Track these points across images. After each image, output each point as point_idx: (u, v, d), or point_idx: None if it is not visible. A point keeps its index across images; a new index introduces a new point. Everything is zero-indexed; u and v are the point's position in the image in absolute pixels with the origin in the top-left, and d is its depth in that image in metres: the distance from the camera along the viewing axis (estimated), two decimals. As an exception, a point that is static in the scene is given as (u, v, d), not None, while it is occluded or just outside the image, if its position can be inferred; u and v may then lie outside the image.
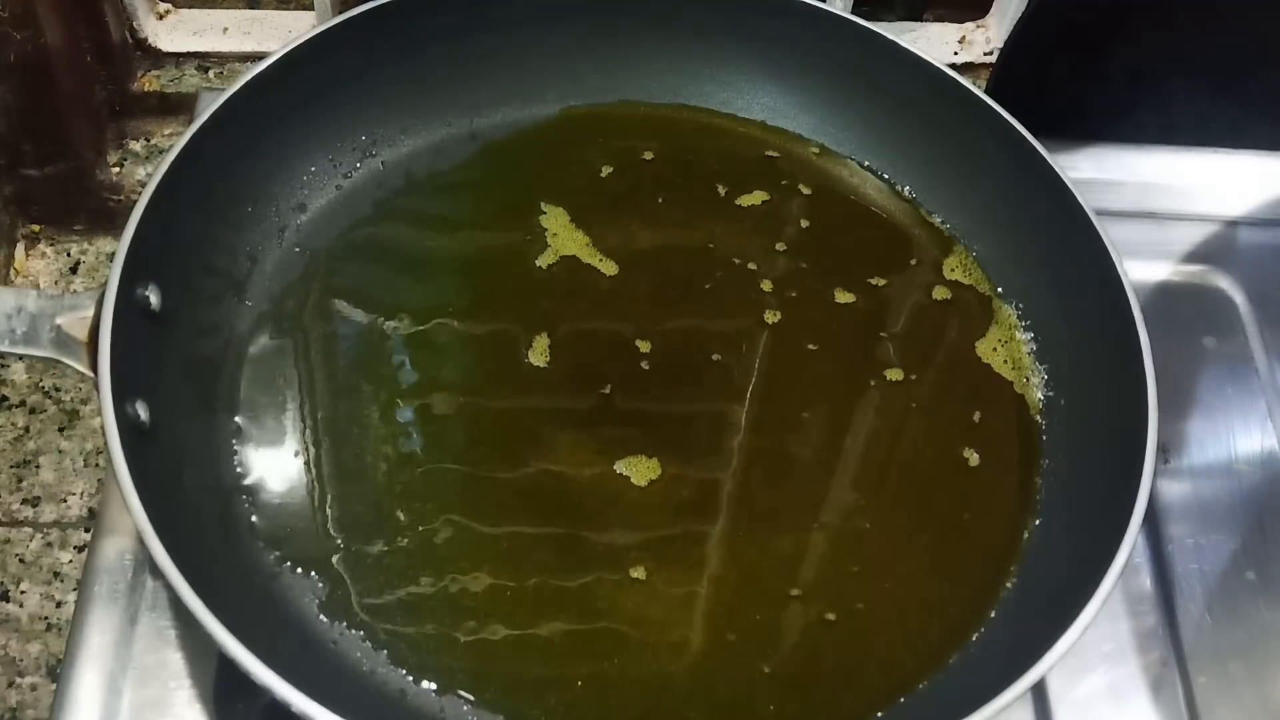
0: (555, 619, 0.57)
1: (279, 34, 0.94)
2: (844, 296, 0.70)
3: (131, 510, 0.49)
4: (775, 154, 0.75)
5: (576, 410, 0.63)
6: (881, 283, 0.71)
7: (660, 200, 0.72)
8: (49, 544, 0.90)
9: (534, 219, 0.70)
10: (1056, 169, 0.67)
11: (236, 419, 0.61)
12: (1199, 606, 0.64)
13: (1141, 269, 0.74)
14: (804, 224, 0.73)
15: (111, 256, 0.56)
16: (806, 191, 0.74)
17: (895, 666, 0.58)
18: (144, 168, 0.98)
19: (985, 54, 0.95)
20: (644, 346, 0.66)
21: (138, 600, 0.59)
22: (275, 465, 0.60)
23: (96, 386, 0.52)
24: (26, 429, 0.93)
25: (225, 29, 0.95)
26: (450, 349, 0.65)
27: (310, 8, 0.86)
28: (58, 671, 0.62)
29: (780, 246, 0.71)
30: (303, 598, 0.56)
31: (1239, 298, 0.77)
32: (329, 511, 0.59)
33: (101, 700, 0.56)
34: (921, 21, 0.97)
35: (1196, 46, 0.77)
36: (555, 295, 0.68)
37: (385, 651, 0.55)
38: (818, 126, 0.76)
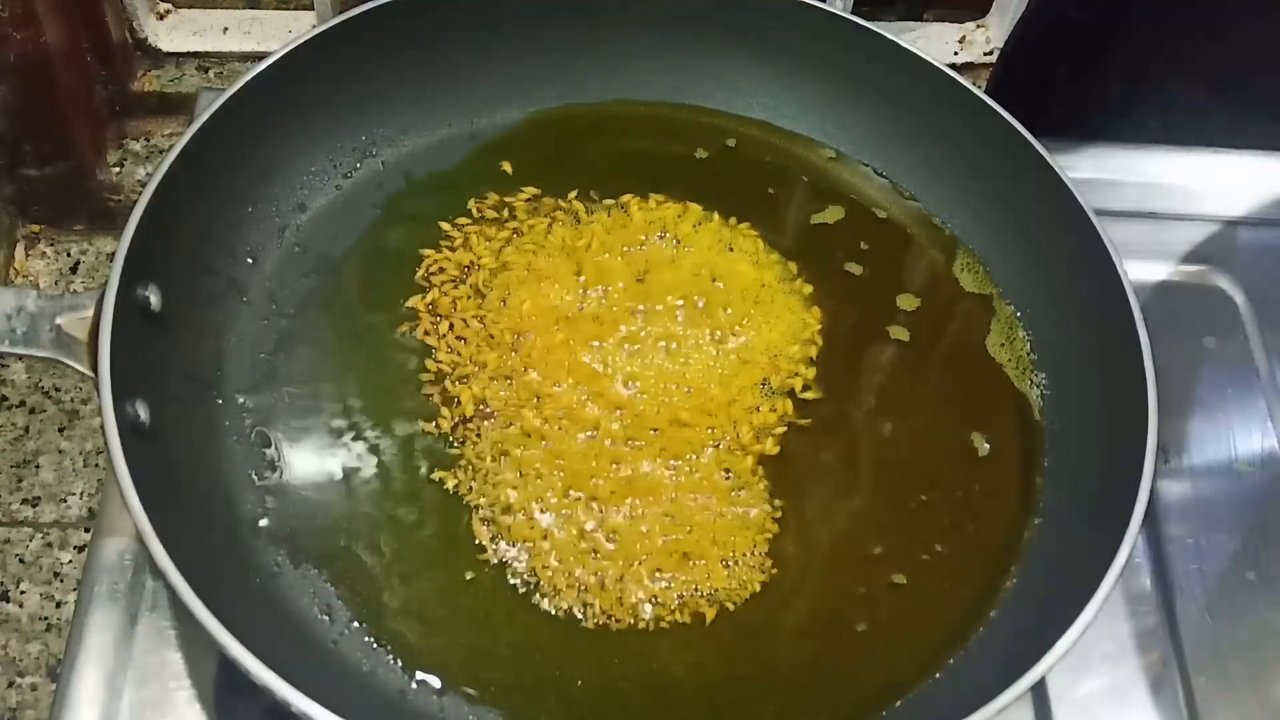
0: (558, 617, 0.57)
1: (279, 34, 0.94)
2: (846, 300, 0.70)
3: (131, 510, 0.49)
4: (776, 153, 0.76)
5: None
6: (883, 282, 0.71)
7: (654, 195, 0.72)
8: (49, 544, 0.90)
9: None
10: (1056, 169, 0.67)
11: (236, 418, 0.61)
12: (1199, 606, 0.64)
13: (1141, 269, 0.74)
14: (805, 223, 0.73)
15: (111, 256, 0.56)
16: (807, 189, 0.74)
17: (896, 666, 0.58)
18: (144, 168, 0.98)
19: (985, 54, 0.95)
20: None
21: (138, 600, 0.59)
22: (276, 465, 0.60)
23: (96, 386, 0.52)
24: (26, 429, 0.93)
25: (225, 29, 0.95)
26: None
27: (310, 8, 0.86)
28: (58, 671, 0.62)
29: (781, 250, 0.71)
30: (303, 598, 0.56)
31: (1239, 298, 0.77)
32: (330, 510, 0.59)
33: (101, 700, 0.56)
34: (921, 21, 0.97)
35: (1196, 46, 0.77)
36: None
37: (385, 651, 0.55)
38: (817, 126, 0.76)
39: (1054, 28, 0.77)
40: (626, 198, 0.72)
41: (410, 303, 0.66)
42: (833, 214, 0.73)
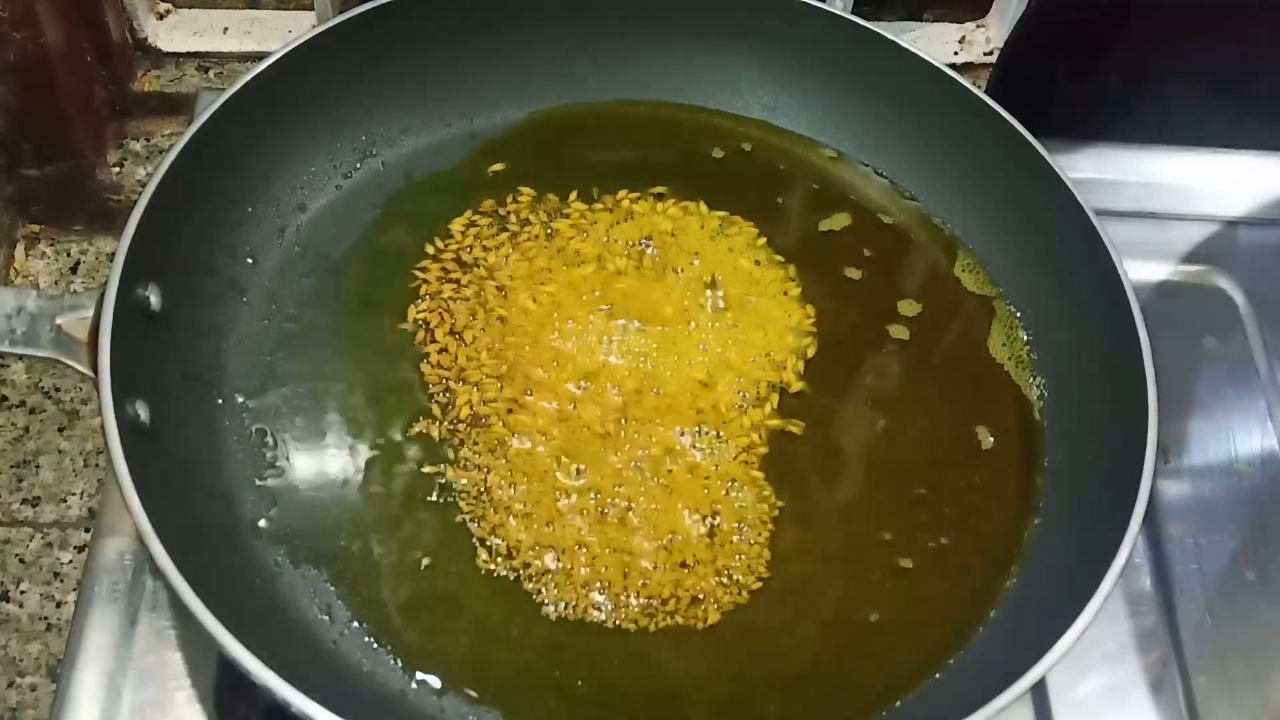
0: (558, 617, 0.57)
1: (279, 34, 0.94)
2: (846, 300, 0.70)
3: (131, 510, 0.49)
4: (779, 156, 0.75)
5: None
6: (885, 285, 0.71)
7: (654, 194, 0.72)
8: (49, 544, 0.90)
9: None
10: (1056, 169, 0.67)
11: (236, 418, 0.61)
12: (1199, 606, 0.64)
13: (1141, 269, 0.74)
14: (805, 223, 0.73)
15: (111, 256, 0.56)
16: (807, 190, 0.74)
17: (895, 666, 0.58)
18: (144, 168, 0.98)
19: (985, 54, 0.95)
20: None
21: (138, 600, 0.59)
22: (276, 465, 0.60)
23: (96, 386, 0.52)
24: (26, 429, 0.93)
25: (225, 29, 0.95)
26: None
27: (310, 8, 0.86)
28: (58, 671, 0.62)
29: (779, 247, 0.71)
30: (303, 598, 0.56)
31: (1239, 298, 0.77)
32: (330, 510, 0.59)
33: (101, 700, 0.56)
34: (921, 21, 0.97)
35: (1196, 46, 0.77)
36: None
37: (385, 651, 0.55)
38: (817, 126, 0.76)
39: (1054, 28, 0.77)
40: (626, 195, 0.72)
41: (409, 303, 0.66)
42: (839, 221, 0.73)
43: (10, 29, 0.83)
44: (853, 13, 0.73)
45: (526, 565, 0.58)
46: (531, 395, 0.63)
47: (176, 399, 0.58)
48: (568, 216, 0.71)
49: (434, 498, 0.60)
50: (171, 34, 0.96)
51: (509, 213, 0.70)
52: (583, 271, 0.68)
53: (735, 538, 0.60)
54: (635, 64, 0.76)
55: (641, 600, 0.58)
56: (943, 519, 0.62)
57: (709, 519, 0.60)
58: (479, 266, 0.68)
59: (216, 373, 0.62)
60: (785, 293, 0.69)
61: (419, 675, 0.55)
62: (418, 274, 0.68)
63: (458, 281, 0.67)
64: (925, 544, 0.61)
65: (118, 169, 0.97)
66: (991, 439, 0.65)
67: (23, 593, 0.88)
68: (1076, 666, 0.61)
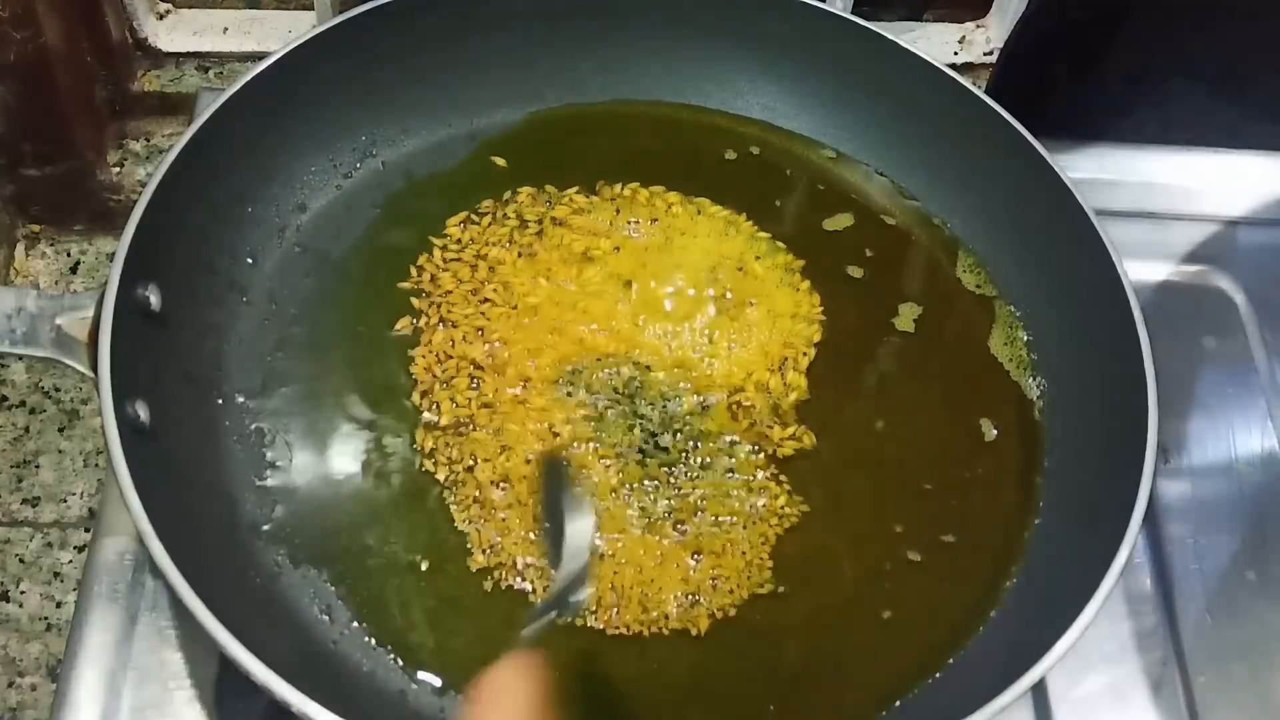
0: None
1: (279, 34, 0.94)
2: (849, 299, 0.70)
3: (131, 510, 0.49)
4: (775, 153, 0.76)
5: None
6: (887, 285, 0.71)
7: (654, 190, 0.72)
8: (49, 544, 0.90)
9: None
10: (1056, 169, 0.67)
11: (236, 418, 0.61)
12: (1199, 606, 0.64)
13: (1141, 269, 0.74)
14: (809, 223, 0.73)
15: (111, 256, 0.56)
16: (810, 190, 0.74)
17: (895, 666, 0.58)
18: (144, 168, 0.98)
19: (985, 54, 0.95)
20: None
21: (138, 600, 0.59)
22: (276, 465, 0.60)
23: (96, 386, 0.52)
24: (26, 429, 0.93)
25: (225, 29, 0.95)
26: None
27: (310, 8, 0.86)
28: (58, 671, 0.62)
29: (781, 244, 0.71)
30: (303, 597, 0.56)
31: (1239, 298, 0.77)
32: (330, 510, 0.59)
33: (101, 700, 0.56)
34: (921, 21, 0.97)
35: (1196, 46, 0.77)
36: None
37: (385, 651, 0.55)
38: (818, 126, 0.76)
39: (1054, 28, 0.77)
40: (626, 191, 0.72)
41: (409, 302, 0.66)
42: (842, 221, 0.73)
43: (10, 29, 0.83)
44: (853, 13, 0.73)
45: (526, 567, 0.58)
46: (531, 396, 0.63)
47: (176, 399, 0.58)
48: (567, 215, 0.70)
49: (433, 499, 0.60)
50: (171, 34, 0.96)
51: (508, 212, 0.71)
52: (583, 271, 0.68)
53: (740, 536, 0.60)
54: (635, 64, 0.76)
55: (643, 602, 0.58)
56: (948, 514, 0.62)
57: (714, 519, 0.60)
58: (479, 266, 0.68)
59: (216, 373, 0.62)
60: (793, 290, 0.69)
61: (419, 675, 0.55)
62: (417, 274, 0.68)
63: (457, 281, 0.67)
64: (933, 538, 0.61)
65: (118, 169, 0.97)
66: (995, 431, 0.65)
67: (23, 593, 0.88)
68: (1076, 666, 0.61)
